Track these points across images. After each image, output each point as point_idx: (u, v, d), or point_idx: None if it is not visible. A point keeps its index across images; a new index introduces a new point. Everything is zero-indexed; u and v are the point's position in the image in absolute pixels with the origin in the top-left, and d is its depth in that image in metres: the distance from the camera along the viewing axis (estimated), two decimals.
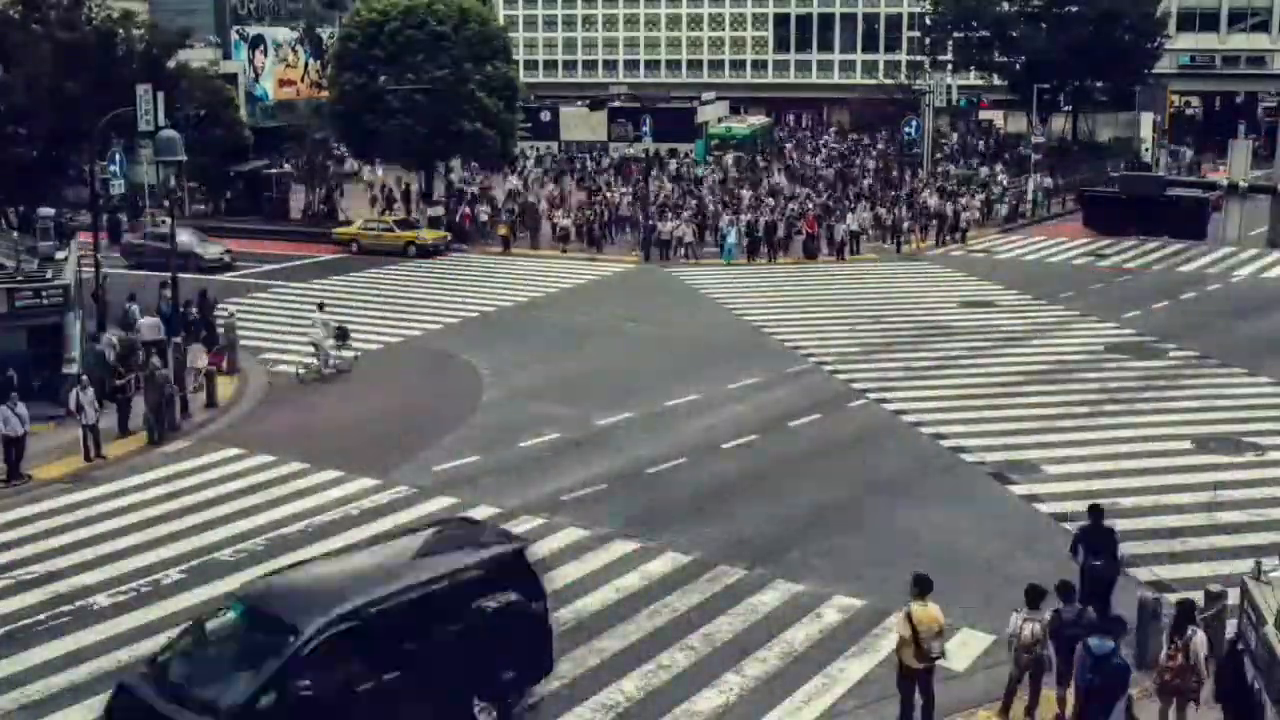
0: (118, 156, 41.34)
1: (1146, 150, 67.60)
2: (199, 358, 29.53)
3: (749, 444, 25.44)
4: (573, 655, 16.56)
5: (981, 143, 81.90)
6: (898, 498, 22.27)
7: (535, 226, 51.31)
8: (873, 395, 28.86)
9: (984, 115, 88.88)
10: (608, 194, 57.18)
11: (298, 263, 47.64)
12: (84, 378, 25.64)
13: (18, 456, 23.75)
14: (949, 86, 70.75)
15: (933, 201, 53.65)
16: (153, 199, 55.34)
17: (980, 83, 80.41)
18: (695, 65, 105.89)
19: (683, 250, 47.74)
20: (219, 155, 52.20)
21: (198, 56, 51.31)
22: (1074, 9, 70.54)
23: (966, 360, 32.27)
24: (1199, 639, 14.05)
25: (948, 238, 50.96)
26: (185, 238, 44.43)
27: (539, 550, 20.11)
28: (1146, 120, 68.14)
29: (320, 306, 33.51)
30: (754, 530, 20.77)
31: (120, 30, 40.23)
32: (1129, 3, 70.18)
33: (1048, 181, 60.85)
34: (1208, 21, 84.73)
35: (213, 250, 46.32)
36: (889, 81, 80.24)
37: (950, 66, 75.93)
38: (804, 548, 19.93)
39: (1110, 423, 26.58)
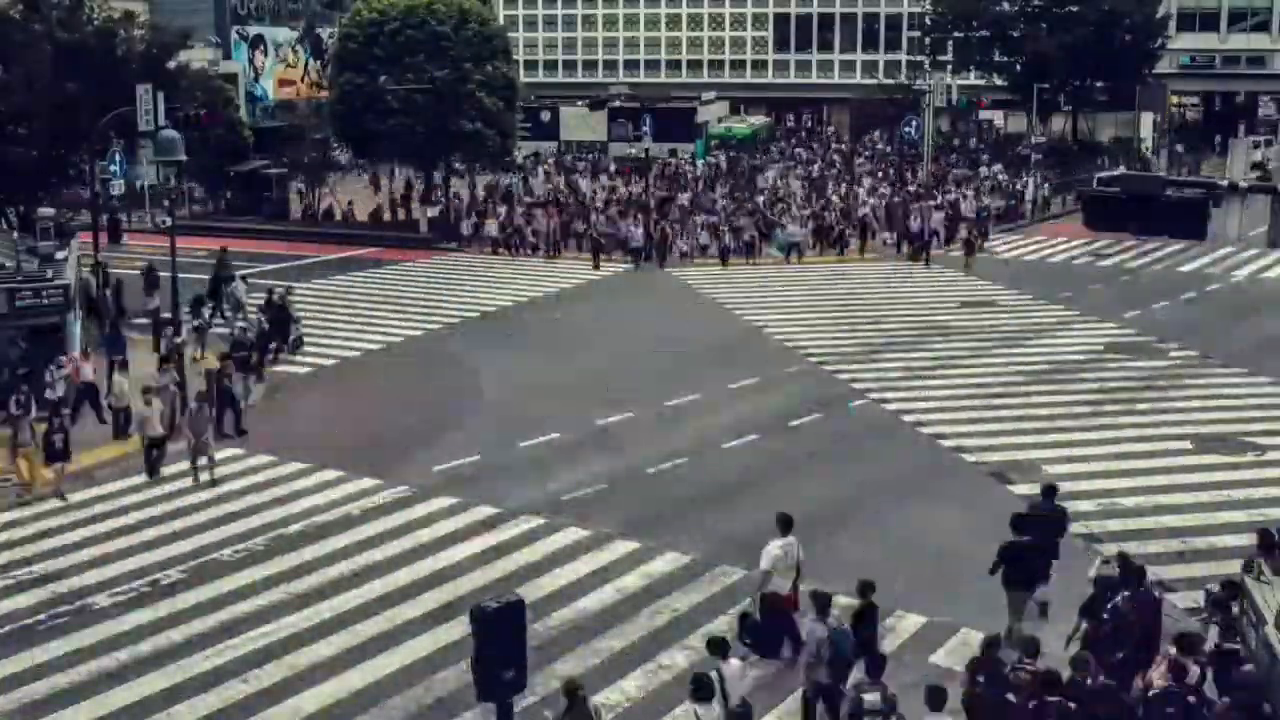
0: (118, 156, 41.33)
1: (1147, 149, 67.44)
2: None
3: (749, 444, 25.44)
4: (573, 655, 16.59)
5: (976, 140, 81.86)
6: (898, 498, 22.26)
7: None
8: (873, 395, 28.86)
9: (984, 115, 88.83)
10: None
11: (298, 263, 47.60)
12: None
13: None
14: (949, 86, 70.63)
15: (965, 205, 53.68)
16: (152, 199, 55.44)
17: (980, 83, 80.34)
18: (695, 65, 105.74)
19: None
20: (219, 155, 52.15)
21: (198, 56, 51.27)
22: (1074, 9, 70.50)
23: (966, 360, 32.27)
24: None
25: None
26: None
27: (539, 550, 20.16)
28: (1146, 120, 68.05)
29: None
30: (754, 530, 20.65)
31: (120, 30, 40.18)
32: (1130, 3, 70.11)
33: (1047, 185, 60.78)
34: (1208, 21, 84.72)
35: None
36: (889, 81, 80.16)
37: (950, 66, 75.85)
38: (804, 548, 19.90)
39: (1110, 423, 26.60)
